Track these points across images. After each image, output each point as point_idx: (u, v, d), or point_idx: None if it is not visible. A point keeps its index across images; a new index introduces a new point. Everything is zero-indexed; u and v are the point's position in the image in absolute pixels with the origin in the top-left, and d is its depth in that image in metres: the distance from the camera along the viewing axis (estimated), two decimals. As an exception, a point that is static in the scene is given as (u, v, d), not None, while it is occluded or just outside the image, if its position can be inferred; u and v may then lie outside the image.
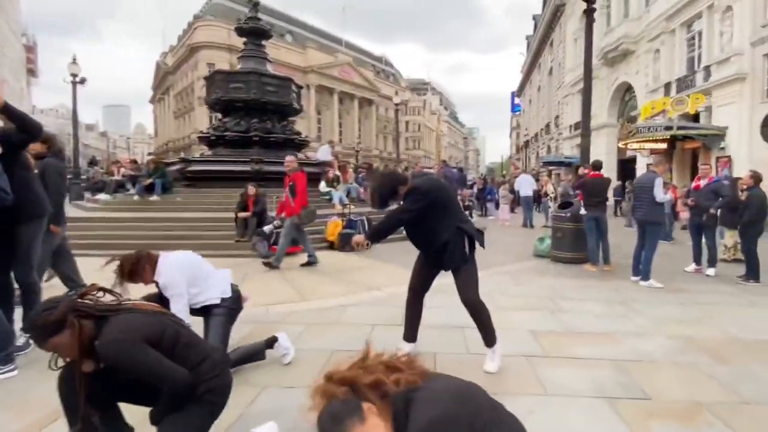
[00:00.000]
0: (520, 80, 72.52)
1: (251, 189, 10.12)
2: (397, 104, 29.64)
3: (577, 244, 9.03)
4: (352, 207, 12.69)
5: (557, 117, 43.92)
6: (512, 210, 20.25)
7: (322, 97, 60.72)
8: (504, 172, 62.88)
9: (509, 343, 4.25)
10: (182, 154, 30.36)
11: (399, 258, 8.42)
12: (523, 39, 69.75)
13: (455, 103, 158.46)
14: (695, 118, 21.58)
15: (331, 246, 10.37)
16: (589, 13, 10.57)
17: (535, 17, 60.54)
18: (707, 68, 20.85)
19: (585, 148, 10.60)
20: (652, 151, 23.67)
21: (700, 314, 5.65)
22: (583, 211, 8.69)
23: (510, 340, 4.38)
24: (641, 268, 7.40)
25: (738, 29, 19.17)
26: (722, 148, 19.57)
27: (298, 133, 16.51)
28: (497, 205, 20.36)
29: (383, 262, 8.69)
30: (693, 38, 22.74)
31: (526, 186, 16.98)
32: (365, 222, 10.86)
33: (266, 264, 8.17)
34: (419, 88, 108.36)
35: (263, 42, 15.93)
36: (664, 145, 22.58)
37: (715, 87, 20.16)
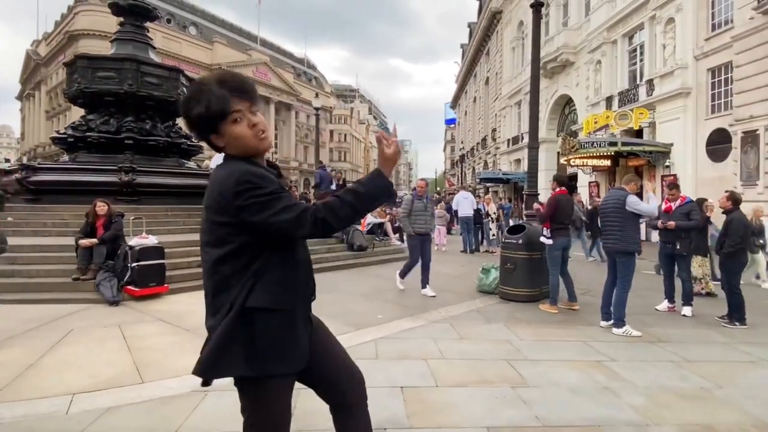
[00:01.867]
0: (455, 91, 73.43)
1: (101, 206, 8.08)
2: (317, 108, 27.95)
3: (531, 277, 7.94)
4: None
5: (494, 130, 44.13)
6: (449, 231, 19.30)
7: (232, 100, 58.53)
8: (438, 188, 62.90)
9: None
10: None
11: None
12: (458, 47, 70.84)
13: (386, 113, 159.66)
14: (639, 133, 21.60)
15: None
16: (535, 10, 9.83)
17: (470, 25, 61.50)
18: (650, 82, 20.94)
19: (533, 161, 9.98)
20: (595, 168, 23.63)
21: (702, 382, 4.61)
22: (549, 240, 7.47)
23: None
24: (613, 311, 6.33)
25: (681, 42, 19.33)
26: (668, 166, 19.54)
27: (188, 137, 14.52)
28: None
29: None
30: (635, 50, 22.92)
31: (465, 205, 15.80)
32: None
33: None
34: (346, 94, 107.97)
35: (146, 24, 13.86)
36: (607, 162, 22.52)
37: (658, 101, 20.23)
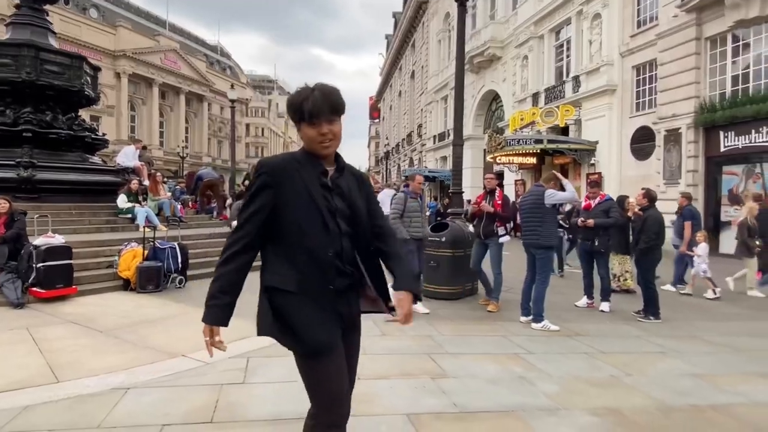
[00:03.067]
0: (380, 84, 74.12)
1: (2, 203, 7.95)
2: (233, 101, 27.58)
3: (454, 275, 8.35)
4: (164, 229, 10.97)
5: (420, 126, 44.96)
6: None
7: (138, 89, 56.00)
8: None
9: None
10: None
11: None
12: (383, 38, 71.57)
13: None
14: (565, 131, 22.73)
15: (126, 285, 8.49)
16: (461, 4, 10.15)
17: (395, 15, 62.27)
18: (576, 78, 22.13)
19: (458, 159, 10.23)
20: (521, 166, 24.62)
21: (613, 371, 5.07)
22: (506, 238, 7.80)
23: None
24: (532, 306, 6.77)
25: (607, 38, 20.61)
26: (593, 164, 20.71)
27: (92, 130, 14.09)
28: None
29: (198, 308, 7.00)
30: (562, 46, 24.16)
31: (389, 203, 16.07)
32: (178, 251, 9.06)
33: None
34: (264, 86, 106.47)
35: (46, 7, 13.39)
36: (533, 160, 23.54)
37: (584, 98, 21.44)
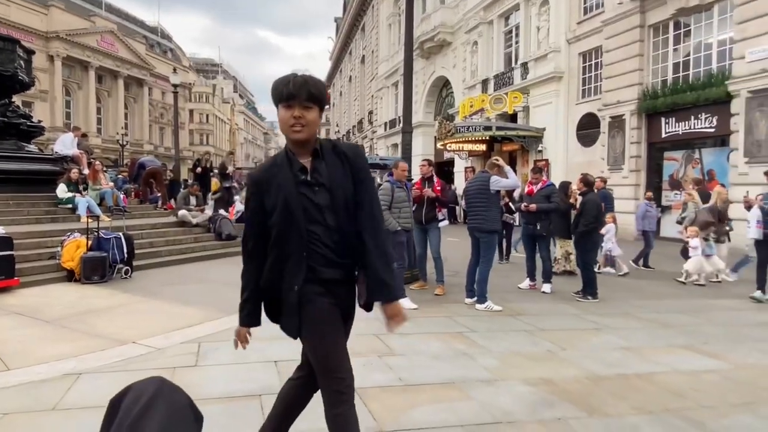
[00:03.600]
0: (329, 68, 73.83)
1: None
2: (175, 85, 27.14)
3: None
4: (106, 219, 10.86)
5: (371, 112, 45.18)
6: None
7: (73, 73, 54.10)
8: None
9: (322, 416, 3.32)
10: None
11: (170, 290, 7.50)
12: (332, 21, 71.20)
13: (254, 92, 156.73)
14: (513, 117, 23.34)
15: (71, 277, 8.47)
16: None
17: (344, -3, 62.02)
18: (525, 65, 22.73)
19: (407, 146, 10.39)
20: (471, 153, 25.16)
21: (550, 346, 5.50)
22: (445, 222, 8.24)
23: None
24: (476, 287, 7.15)
25: (554, 25, 21.26)
26: (540, 151, 21.38)
27: (28, 116, 13.77)
28: None
29: (146, 298, 7.33)
30: (511, 32, 24.76)
31: None
32: (123, 241, 9.06)
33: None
34: (208, 70, 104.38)
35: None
36: (483, 147, 24.09)
37: (532, 85, 22.08)
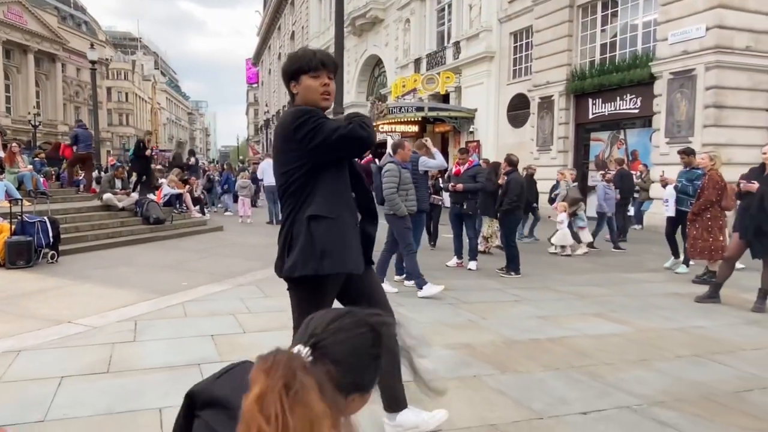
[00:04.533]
0: (258, 44, 72.78)
1: None
2: (93, 62, 26.23)
3: None
4: (27, 204, 10.62)
5: (301, 92, 44.80)
6: (254, 204, 19.86)
7: (-24, 48, 51.58)
8: (241, 156, 62.36)
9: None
10: None
11: (100, 273, 7.62)
12: (259, -6, 70.05)
13: (176, 69, 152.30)
14: (446, 98, 23.90)
15: (-4, 262, 8.44)
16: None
17: (272, -31, 61.14)
18: (457, 44, 23.30)
19: None
20: (404, 134, 25.59)
21: (471, 316, 5.98)
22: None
23: None
24: (405, 265, 7.55)
25: (486, 3, 21.87)
26: (471, 132, 22.04)
27: None
28: (236, 198, 19.53)
29: (76, 281, 7.40)
30: (443, 9, 25.30)
31: (271, 174, 16.14)
32: (48, 225, 8.96)
33: None
34: (126, 44, 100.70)
35: None
36: (415, 128, 24.56)
37: (464, 65, 22.70)
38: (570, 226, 10.80)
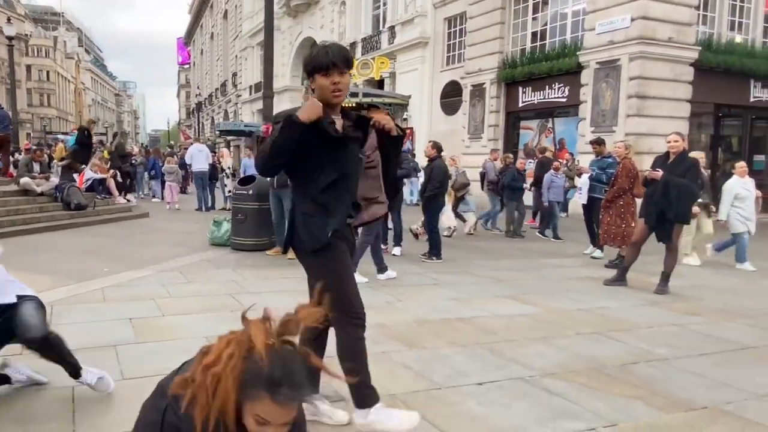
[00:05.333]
0: (189, 23, 71.10)
1: None
2: (10, 38, 24.97)
3: (260, 227, 9.05)
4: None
5: (235, 75, 44.42)
6: (184, 190, 19.60)
7: None
8: (171, 141, 61.02)
9: (178, 358, 3.71)
10: None
11: (17, 261, 7.15)
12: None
13: (102, 47, 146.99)
14: (381, 84, 24.09)
15: None
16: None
17: (204, -55, 59.79)
18: (392, 29, 23.49)
19: (268, 112, 10.32)
20: (339, 120, 25.69)
21: (389, 298, 6.20)
22: None
23: (179, 351, 3.75)
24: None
25: (421, -13, 22.00)
26: (405, 119, 22.31)
27: None
28: (164, 184, 19.03)
29: None
30: (379, -7, 25.31)
31: (200, 159, 16.20)
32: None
33: None
34: (47, 20, 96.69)
35: None
36: (350, 113, 24.64)
37: (399, 50, 22.94)
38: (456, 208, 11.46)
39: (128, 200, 15.93)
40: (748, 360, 4.58)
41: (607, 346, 4.72)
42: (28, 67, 75.31)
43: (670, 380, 3.99)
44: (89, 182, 14.00)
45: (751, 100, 16.58)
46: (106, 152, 18.48)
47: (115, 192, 15.29)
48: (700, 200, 8.22)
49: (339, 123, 2.79)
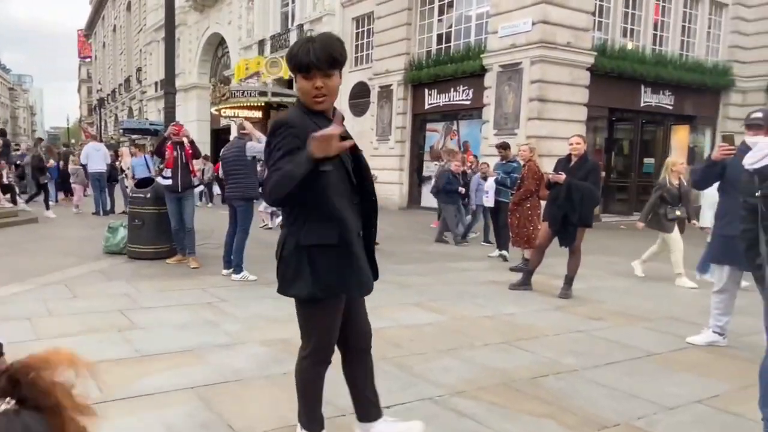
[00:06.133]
0: (90, 14, 67.97)
1: None
2: None
3: (160, 233, 8.58)
4: None
5: (140, 70, 42.87)
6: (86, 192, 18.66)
7: None
8: (72, 140, 58.44)
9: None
10: None
11: None
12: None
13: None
14: (290, 83, 23.72)
15: None
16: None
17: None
18: (301, 27, 23.21)
19: (170, 109, 9.95)
20: (247, 119, 25.15)
21: (292, 309, 5.82)
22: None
23: None
24: (233, 258, 7.44)
25: (330, -15, 21.87)
26: (316, 120, 22.12)
27: None
28: (62, 186, 18.30)
29: None
30: (288, -10, 24.95)
31: (97, 158, 15.27)
32: None
33: None
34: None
35: None
36: (259, 113, 24.16)
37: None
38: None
39: (13, 204, 14.41)
40: (653, 368, 4.63)
41: (515, 358, 4.71)
42: None
43: (579, 393, 3.97)
44: None
45: (642, 104, 17.40)
46: None
47: (0, 195, 13.91)
48: (678, 213, 7.97)
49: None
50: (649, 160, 18.16)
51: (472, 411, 3.60)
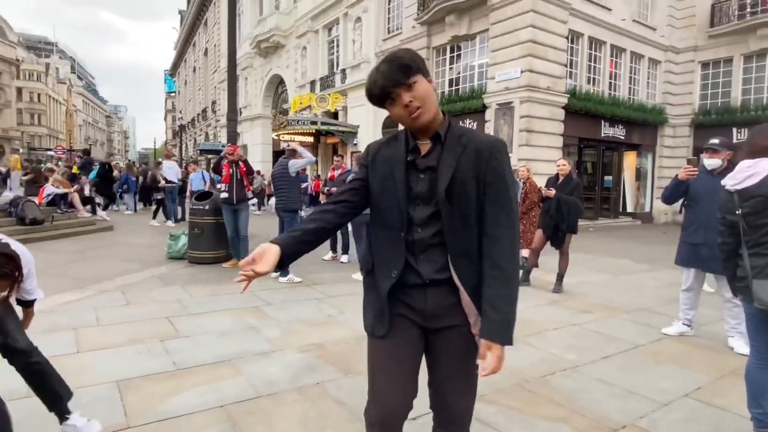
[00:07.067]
0: (174, 58, 70.95)
1: None
2: None
3: (217, 240, 8.49)
4: None
5: (214, 102, 44.06)
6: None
7: None
8: (159, 158, 61.06)
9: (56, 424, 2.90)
10: None
11: None
12: (177, 12, 68.66)
13: (94, 74, 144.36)
14: (335, 115, 25.66)
15: None
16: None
17: (189, -8, 60.25)
18: (343, 71, 24.51)
19: (232, 133, 10.14)
20: (302, 144, 27.27)
21: (332, 311, 5.72)
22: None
23: (81, 408, 3.02)
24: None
25: (366, 39, 22.73)
26: (355, 144, 23.80)
27: None
28: (144, 198, 18.58)
29: None
30: (333, 41, 25.82)
31: (170, 174, 15.44)
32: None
33: None
34: (41, 48, 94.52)
35: None
36: (311, 138, 26.02)
37: (350, 89, 23.52)
38: None
39: (93, 215, 14.35)
40: (641, 361, 4.47)
41: (525, 355, 4.42)
42: (19, 90, 72.39)
43: (585, 393, 3.71)
44: (50, 197, 12.45)
45: (603, 135, 19.11)
46: (75, 168, 17.67)
47: (80, 206, 13.58)
48: None
49: (425, 148, 1.89)
50: (608, 177, 20.37)
51: (494, 418, 3.22)
